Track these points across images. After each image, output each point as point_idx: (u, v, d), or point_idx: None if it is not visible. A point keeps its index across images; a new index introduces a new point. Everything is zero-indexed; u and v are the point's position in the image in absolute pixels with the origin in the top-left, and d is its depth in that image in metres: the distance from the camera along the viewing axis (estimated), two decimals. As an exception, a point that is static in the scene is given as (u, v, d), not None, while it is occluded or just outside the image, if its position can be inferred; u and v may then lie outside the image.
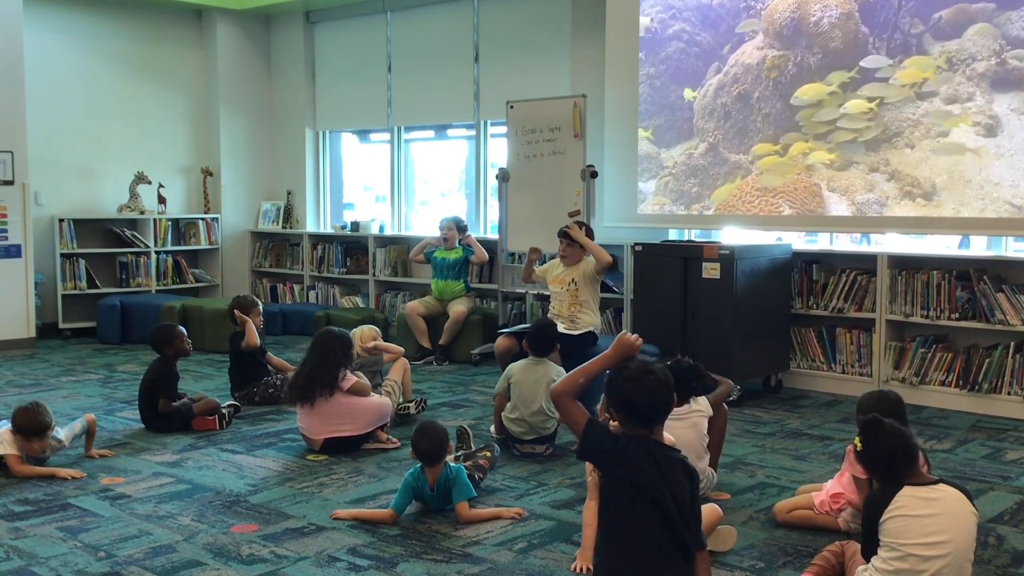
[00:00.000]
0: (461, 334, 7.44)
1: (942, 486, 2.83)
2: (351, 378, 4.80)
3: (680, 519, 2.59)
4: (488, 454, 4.29)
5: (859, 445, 2.91)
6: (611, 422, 2.84)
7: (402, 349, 5.79)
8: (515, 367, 4.84)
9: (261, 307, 6.13)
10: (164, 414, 5.22)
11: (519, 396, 4.73)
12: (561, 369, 4.94)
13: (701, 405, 4.07)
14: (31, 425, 4.40)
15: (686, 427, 3.98)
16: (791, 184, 6.53)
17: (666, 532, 2.58)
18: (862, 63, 6.17)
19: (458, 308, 7.47)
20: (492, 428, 5.05)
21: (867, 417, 2.92)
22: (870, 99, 6.15)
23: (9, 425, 4.47)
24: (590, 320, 6.06)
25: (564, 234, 6.11)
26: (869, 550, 2.86)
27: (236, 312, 5.95)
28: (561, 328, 5.94)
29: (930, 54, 5.93)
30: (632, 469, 2.60)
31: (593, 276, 6.05)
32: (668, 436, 3.75)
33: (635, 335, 2.82)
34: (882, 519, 2.78)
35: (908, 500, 2.77)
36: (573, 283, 6.04)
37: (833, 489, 3.68)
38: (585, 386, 2.75)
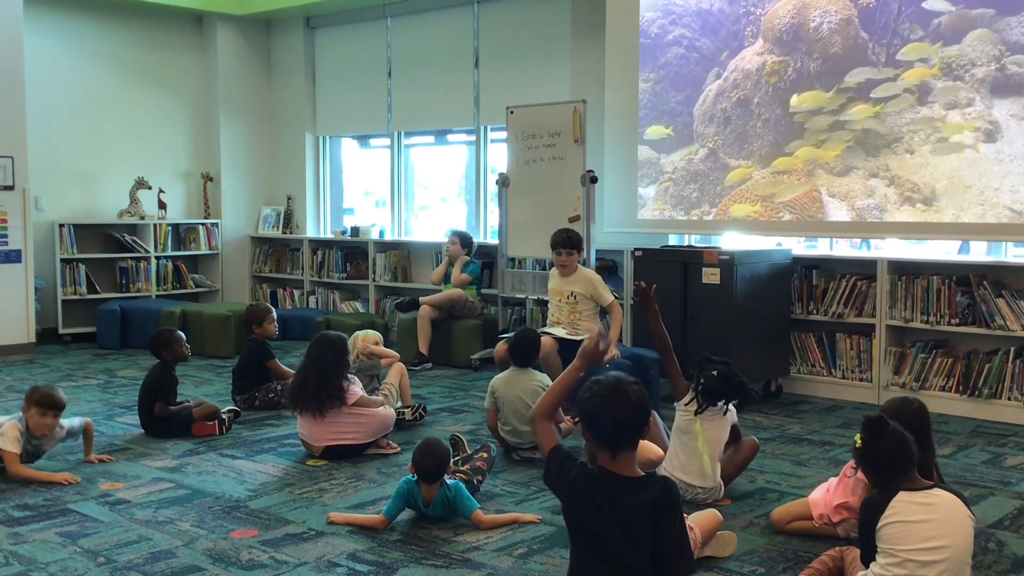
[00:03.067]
0: (460, 338, 7.44)
1: (937, 491, 2.83)
2: (356, 392, 4.80)
3: (634, 555, 2.42)
4: (485, 455, 4.29)
5: (859, 442, 2.90)
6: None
7: (397, 355, 5.80)
8: (498, 380, 4.86)
9: (275, 313, 6.14)
10: (162, 419, 5.22)
11: (507, 409, 4.76)
12: (543, 376, 4.93)
13: (733, 413, 4.17)
14: (51, 401, 4.43)
15: (717, 428, 4.08)
16: (791, 189, 6.54)
17: (630, 553, 2.43)
18: (861, 69, 6.18)
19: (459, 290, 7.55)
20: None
21: (873, 416, 2.91)
22: (869, 101, 6.15)
23: (13, 419, 4.45)
24: (590, 326, 6.04)
25: (562, 242, 6.04)
26: (867, 556, 2.85)
27: (275, 369, 5.94)
28: (562, 334, 5.93)
29: (929, 58, 5.94)
30: (574, 506, 2.53)
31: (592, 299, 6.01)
32: (654, 448, 3.75)
33: (603, 345, 2.70)
34: (878, 525, 2.78)
35: (903, 506, 2.76)
36: (572, 296, 5.99)
37: (835, 500, 3.62)
38: (559, 404, 2.70)
